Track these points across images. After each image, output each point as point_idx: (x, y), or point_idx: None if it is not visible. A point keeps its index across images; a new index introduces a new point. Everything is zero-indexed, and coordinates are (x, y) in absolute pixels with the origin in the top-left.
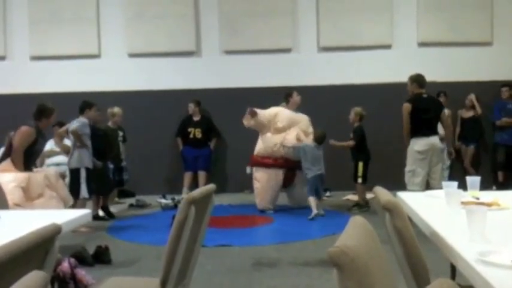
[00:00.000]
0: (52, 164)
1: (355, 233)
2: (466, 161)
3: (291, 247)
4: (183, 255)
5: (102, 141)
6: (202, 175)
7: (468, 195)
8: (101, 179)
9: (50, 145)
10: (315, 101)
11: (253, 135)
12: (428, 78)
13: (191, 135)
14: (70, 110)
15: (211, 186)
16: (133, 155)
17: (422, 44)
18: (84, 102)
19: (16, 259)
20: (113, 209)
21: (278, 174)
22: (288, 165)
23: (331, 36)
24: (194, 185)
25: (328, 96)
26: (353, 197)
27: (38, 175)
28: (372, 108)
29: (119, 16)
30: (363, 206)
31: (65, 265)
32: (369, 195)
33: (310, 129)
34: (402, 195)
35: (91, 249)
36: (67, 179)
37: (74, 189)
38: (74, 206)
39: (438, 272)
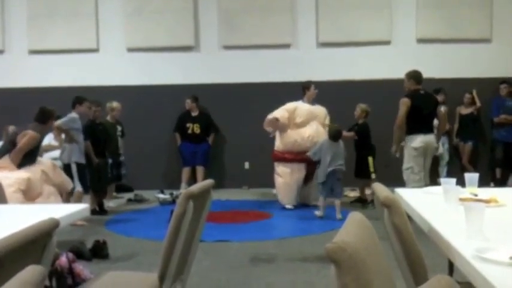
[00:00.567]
0: (50, 158)
1: (353, 229)
2: (464, 158)
3: (289, 243)
4: (181, 250)
5: (101, 137)
6: (200, 170)
7: (466, 192)
8: (96, 174)
9: (48, 139)
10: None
11: (251, 130)
12: (427, 74)
13: (189, 131)
14: (68, 105)
15: (210, 181)
16: (132, 150)
17: (421, 41)
18: (76, 97)
19: (14, 253)
20: (111, 203)
21: (300, 169)
22: (304, 159)
23: (330, 32)
24: (192, 180)
25: (327, 92)
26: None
27: (36, 173)
28: (370, 104)
29: (118, 11)
30: (367, 202)
31: (63, 260)
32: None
33: (327, 121)
34: (400, 191)
35: (89, 244)
36: None
37: None
38: (69, 200)
39: (436, 269)
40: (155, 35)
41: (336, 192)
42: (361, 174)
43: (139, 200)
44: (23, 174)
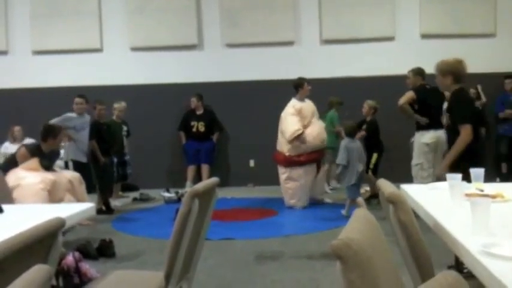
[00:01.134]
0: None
1: (358, 225)
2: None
3: (294, 240)
4: (187, 248)
5: (106, 136)
6: (205, 168)
7: (472, 187)
8: (102, 174)
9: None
10: (317, 94)
11: (255, 128)
12: (431, 70)
13: (194, 129)
14: (72, 105)
15: (215, 179)
16: (136, 149)
17: (425, 36)
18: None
19: (20, 253)
20: (117, 203)
21: (313, 169)
22: (319, 156)
23: (333, 28)
24: (197, 178)
25: (331, 89)
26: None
27: (63, 179)
28: (374, 100)
29: (121, 10)
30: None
31: (70, 259)
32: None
33: (316, 116)
34: (406, 187)
35: (95, 243)
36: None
37: None
38: None
39: (442, 265)
40: (158, 34)
41: (359, 191)
42: (366, 169)
43: (144, 198)
44: (50, 175)
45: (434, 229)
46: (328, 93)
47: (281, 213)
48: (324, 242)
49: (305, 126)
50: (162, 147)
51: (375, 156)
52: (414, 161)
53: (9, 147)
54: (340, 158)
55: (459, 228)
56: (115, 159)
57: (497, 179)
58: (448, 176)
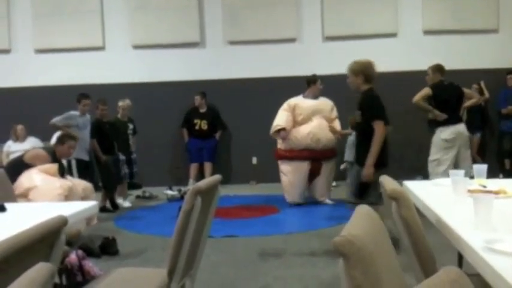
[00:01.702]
0: None
1: (361, 222)
2: (473, 150)
3: (296, 237)
4: (190, 245)
5: (108, 135)
6: (208, 166)
7: (475, 184)
8: (105, 172)
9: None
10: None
11: (257, 126)
12: None
13: (197, 127)
14: (75, 103)
15: (217, 177)
16: (139, 147)
17: (428, 32)
18: (79, 95)
19: (23, 251)
20: (127, 203)
21: (304, 166)
22: (313, 156)
23: (335, 25)
24: (200, 176)
25: (334, 86)
26: None
27: (78, 187)
28: None
29: (123, 8)
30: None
31: (73, 257)
32: None
33: (335, 114)
34: (408, 184)
35: (98, 241)
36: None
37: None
38: None
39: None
40: (160, 32)
41: None
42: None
43: (147, 196)
44: (68, 182)
45: (437, 225)
46: (330, 90)
47: (283, 211)
48: (327, 239)
49: (298, 123)
50: (164, 145)
51: None
52: (431, 157)
53: (12, 146)
54: (348, 155)
55: (462, 224)
56: (122, 158)
57: (500, 175)
58: (451, 172)
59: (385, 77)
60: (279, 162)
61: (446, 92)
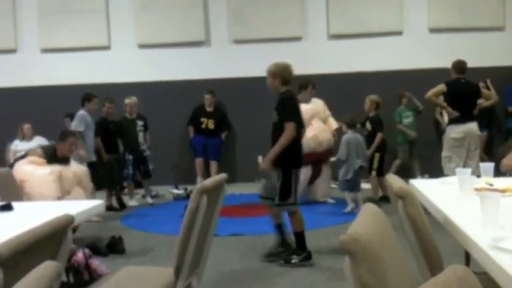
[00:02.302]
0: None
1: (367, 220)
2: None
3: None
4: (196, 244)
5: (112, 134)
6: (213, 165)
7: (482, 182)
8: (106, 171)
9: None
10: (325, 89)
11: (263, 125)
12: (440, 64)
13: (203, 126)
14: (79, 102)
15: (223, 175)
16: None
17: (433, 30)
18: (85, 94)
19: (30, 249)
20: (132, 202)
21: (307, 170)
22: (314, 159)
23: (341, 23)
24: (206, 173)
25: (339, 84)
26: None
27: (68, 172)
28: (383, 95)
29: (128, 7)
30: (376, 201)
31: (80, 255)
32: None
33: (327, 112)
34: (415, 182)
35: (105, 240)
36: None
37: None
38: None
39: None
40: (165, 31)
41: (359, 186)
42: (369, 170)
43: (153, 195)
44: (58, 167)
45: (443, 223)
46: (335, 89)
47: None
48: (333, 237)
49: None
50: (170, 144)
51: (377, 156)
52: (443, 153)
53: (19, 145)
54: (340, 153)
55: (469, 222)
56: (130, 157)
57: (507, 174)
58: (458, 170)
59: (390, 75)
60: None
61: (461, 90)
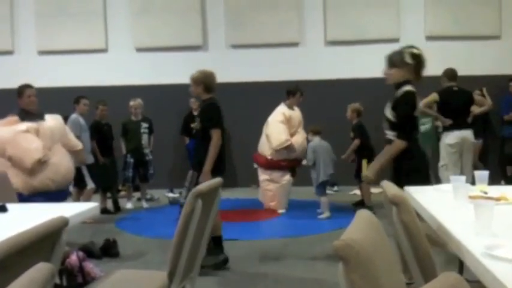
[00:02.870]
0: None
1: (361, 226)
2: (474, 156)
3: (297, 241)
4: (190, 248)
5: (106, 137)
6: None
7: (476, 190)
8: (101, 174)
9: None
10: (321, 95)
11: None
12: (436, 72)
13: (194, 131)
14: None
15: (218, 180)
16: None
17: (430, 38)
18: (76, 97)
19: (24, 251)
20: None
21: (288, 174)
22: (294, 164)
23: (338, 30)
24: None
25: (335, 90)
26: (359, 192)
27: (44, 128)
28: (379, 102)
29: (125, 10)
30: (367, 207)
31: (73, 258)
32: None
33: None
34: (409, 189)
35: (99, 243)
36: None
37: (78, 182)
38: (79, 198)
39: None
40: (163, 35)
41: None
42: (356, 176)
43: (148, 198)
44: (32, 123)
45: (437, 231)
46: (332, 95)
47: (284, 214)
48: (327, 243)
49: (291, 135)
50: (166, 147)
51: (365, 162)
52: (440, 163)
53: None
54: (308, 158)
55: (462, 230)
56: (132, 160)
57: (502, 182)
58: (452, 178)
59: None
60: (269, 171)
61: (453, 98)
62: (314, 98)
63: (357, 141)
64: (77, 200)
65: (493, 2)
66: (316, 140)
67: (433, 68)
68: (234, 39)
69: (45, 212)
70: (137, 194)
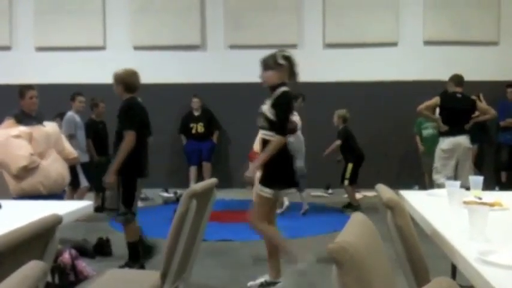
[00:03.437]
0: None
1: (355, 229)
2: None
3: (291, 243)
4: (184, 248)
5: (101, 136)
6: (206, 166)
7: (471, 195)
8: (97, 172)
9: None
10: (319, 97)
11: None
12: (434, 77)
13: (193, 131)
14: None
15: (213, 180)
16: None
17: (428, 43)
18: (74, 93)
19: (16, 249)
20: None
21: None
22: None
23: (336, 33)
24: (199, 177)
25: (333, 93)
26: (369, 194)
27: (39, 133)
28: (376, 106)
29: (125, 8)
30: (355, 207)
31: (66, 256)
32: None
33: None
34: (404, 193)
35: (92, 241)
36: None
37: (72, 180)
38: (73, 197)
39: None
40: (162, 34)
41: (301, 188)
42: (341, 179)
43: (143, 198)
44: (26, 128)
45: (431, 235)
46: (329, 98)
47: (278, 217)
48: (321, 245)
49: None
50: (162, 147)
51: (350, 166)
52: (434, 165)
53: None
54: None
55: (456, 235)
56: None
57: (497, 188)
58: (447, 183)
59: (384, 85)
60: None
61: (455, 104)
62: (312, 100)
63: (338, 142)
64: (71, 198)
65: (492, 8)
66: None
67: (430, 73)
68: (233, 40)
69: (39, 209)
70: None
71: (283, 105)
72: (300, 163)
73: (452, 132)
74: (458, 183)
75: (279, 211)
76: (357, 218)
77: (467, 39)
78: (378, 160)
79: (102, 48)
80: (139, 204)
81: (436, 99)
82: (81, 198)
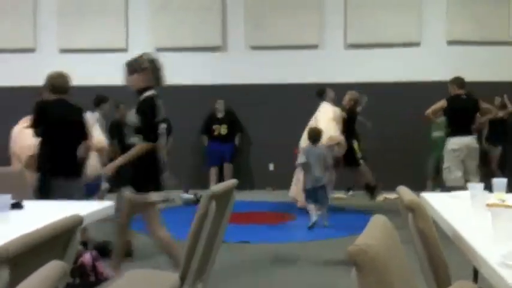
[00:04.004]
0: None
1: (375, 232)
2: (493, 163)
3: (311, 246)
4: (203, 250)
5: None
6: (228, 167)
7: (494, 198)
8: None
9: None
10: (339, 99)
11: (276, 132)
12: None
13: (216, 133)
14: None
15: (233, 181)
16: None
17: (452, 42)
18: (101, 96)
19: (37, 248)
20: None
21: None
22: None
23: (358, 33)
24: (220, 179)
25: None
26: (390, 196)
27: None
28: (398, 106)
29: (146, 10)
30: (372, 188)
31: (87, 257)
32: (389, 196)
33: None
34: (426, 196)
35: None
36: None
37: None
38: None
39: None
40: (183, 35)
41: (319, 201)
42: (348, 162)
43: (163, 200)
44: None
45: (453, 238)
46: None
47: (299, 218)
48: (341, 248)
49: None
50: (183, 149)
51: (356, 145)
52: (444, 165)
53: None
54: (299, 159)
55: (479, 238)
56: None
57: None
58: (470, 185)
59: (406, 86)
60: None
61: (460, 105)
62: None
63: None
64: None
65: None
66: (308, 144)
67: (453, 73)
68: (254, 41)
69: (60, 210)
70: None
71: (146, 110)
72: (317, 173)
73: (460, 133)
74: (481, 185)
75: (309, 225)
76: (377, 221)
77: (491, 39)
78: (399, 162)
79: (124, 50)
80: (162, 206)
81: (442, 103)
82: (101, 199)
